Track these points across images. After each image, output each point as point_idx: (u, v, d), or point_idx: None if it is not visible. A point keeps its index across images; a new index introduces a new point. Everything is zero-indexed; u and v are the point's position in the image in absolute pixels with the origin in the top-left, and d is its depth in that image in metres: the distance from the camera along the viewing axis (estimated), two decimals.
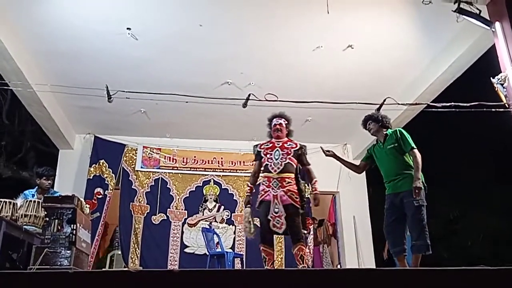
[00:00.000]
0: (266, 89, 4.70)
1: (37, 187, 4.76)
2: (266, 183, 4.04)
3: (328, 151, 4.26)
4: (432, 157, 5.31)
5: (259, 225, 4.11)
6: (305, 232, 4.06)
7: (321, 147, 4.31)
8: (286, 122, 4.25)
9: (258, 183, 4.28)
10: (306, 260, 3.87)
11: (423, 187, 3.71)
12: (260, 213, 4.01)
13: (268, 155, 4.10)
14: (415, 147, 3.83)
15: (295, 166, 4.08)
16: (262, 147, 4.21)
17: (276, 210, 3.88)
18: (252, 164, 4.54)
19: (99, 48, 5.18)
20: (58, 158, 7.45)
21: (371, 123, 4.15)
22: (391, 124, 4.19)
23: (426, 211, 3.72)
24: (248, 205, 4.15)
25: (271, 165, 4.03)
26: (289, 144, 4.14)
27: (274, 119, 4.24)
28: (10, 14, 4.59)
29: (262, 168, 4.16)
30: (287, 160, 4.02)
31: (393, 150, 3.91)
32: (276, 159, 4.03)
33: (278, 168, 3.99)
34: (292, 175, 4.02)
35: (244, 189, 5.35)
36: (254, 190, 4.23)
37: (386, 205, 3.94)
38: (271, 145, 4.17)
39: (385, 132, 4.07)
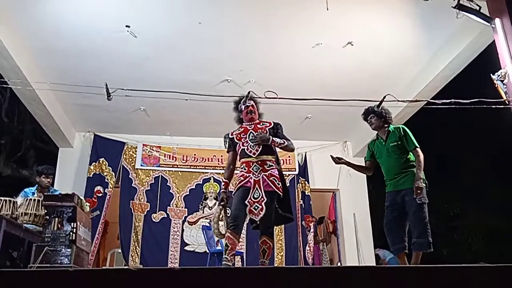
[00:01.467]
0: (266, 87, 4.67)
1: (37, 185, 4.76)
2: (245, 168, 3.65)
3: (339, 158, 4.10)
4: (433, 154, 5.30)
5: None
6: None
7: (331, 155, 4.13)
8: (256, 104, 3.92)
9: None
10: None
11: (424, 185, 3.69)
12: (236, 197, 3.60)
13: (242, 140, 3.73)
14: (418, 146, 3.79)
15: (273, 147, 3.77)
16: (233, 133, 3.84)
17: (257, 195, 3.51)
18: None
19: (99, 46, 5.18)
20: (58, 156, 7.44)
21: (373, 117, 4.04)
22: (392, 120, 4.13)
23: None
24: (222, 203, 3.71)
25: (248, 149, 3.67)
26: (263, 124, 3.81)
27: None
28: (9, 12, 4.58)
29: (238, 156, 3.79)
30: None
31: (395, 148, 3.86)
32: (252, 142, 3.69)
33: (257, 150, 3.63)
34: (273, 158, 3.72)
35: None
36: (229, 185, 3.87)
37: (386, 203, 3.91)
38: (243, 129, 3.81)
39: (387, 128, 4.00)
